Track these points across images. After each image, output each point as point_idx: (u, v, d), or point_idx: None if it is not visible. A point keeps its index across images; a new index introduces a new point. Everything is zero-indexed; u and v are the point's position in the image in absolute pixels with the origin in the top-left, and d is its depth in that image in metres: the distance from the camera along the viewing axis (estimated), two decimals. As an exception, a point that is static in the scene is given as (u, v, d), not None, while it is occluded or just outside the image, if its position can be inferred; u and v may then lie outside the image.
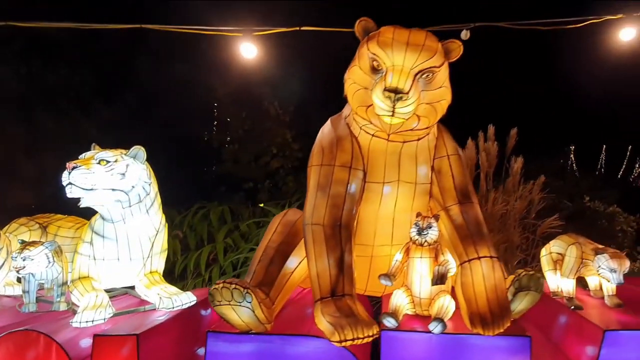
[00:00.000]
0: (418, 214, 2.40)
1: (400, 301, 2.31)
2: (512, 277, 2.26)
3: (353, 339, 1.90)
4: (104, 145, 2.78)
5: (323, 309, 2.05)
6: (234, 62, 4.23)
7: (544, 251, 2.80)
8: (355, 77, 2.25)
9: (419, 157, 2.44)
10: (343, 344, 1.91)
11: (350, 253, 2.25)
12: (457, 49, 2.26)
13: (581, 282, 2.76)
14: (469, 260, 2.20)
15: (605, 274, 2.36)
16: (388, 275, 2.30)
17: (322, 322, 2.04)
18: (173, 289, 2.83)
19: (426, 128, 2.31)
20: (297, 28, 2.26)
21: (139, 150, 2.75)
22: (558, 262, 2.71)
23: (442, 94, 2.24)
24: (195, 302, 2.75)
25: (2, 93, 6.54)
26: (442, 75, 2.23)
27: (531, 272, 2.22)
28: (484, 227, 2.35)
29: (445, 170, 2.45)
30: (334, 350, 2.13)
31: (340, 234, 2.23)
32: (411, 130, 2.27)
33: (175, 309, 2.66)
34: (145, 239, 2.86)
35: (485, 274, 2.16)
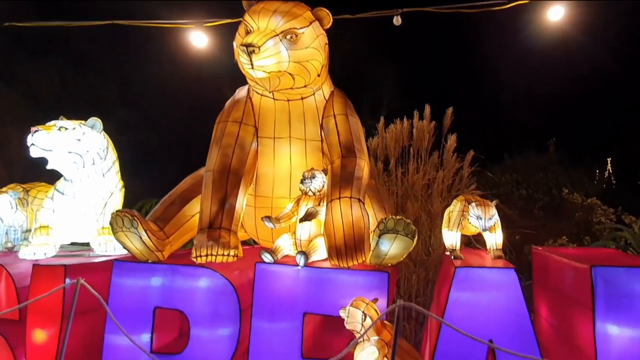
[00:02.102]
0: (310, 169, 2.67)
1: (282, 242, 2.56)
2: (379, 220, 2.42)
3: (207, 255, 2.18)
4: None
5: (197, 237, 2.37)
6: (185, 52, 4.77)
7: (445, 212, 2.91)
8: (237, 43, 2.62)
9: (306, 115, 2.72)
10: (199, 259, 2.19)
11: (235, 196, 2.56)
12: (327, 17, 2.57)
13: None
14: (331, 201, 2.41)
15: (473, 221, 2.45)
16: (271, 218, 2.57)
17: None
18: (113, 240, 3.27)
19: (304, 87, 2.59)
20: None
21: (96, 122, 3.27)
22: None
23: (311, 54, 2.53)
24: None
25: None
26: (308, 37, 2.52)
27: (399, 217, 2.38)
28: (356, 176, 2.55)
29: (332, 128, 2.71)
30: (218, 280, 2.42)
31: (227, 179, 2.55)
32: (291, 89, 2.57)
33: (110, 255, 3.09)
34: (99, 199, 3.35)
35: (343, 211, 2.35)
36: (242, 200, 2.62)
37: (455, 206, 2.69)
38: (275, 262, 2.44)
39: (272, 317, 2.35)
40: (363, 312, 2.06)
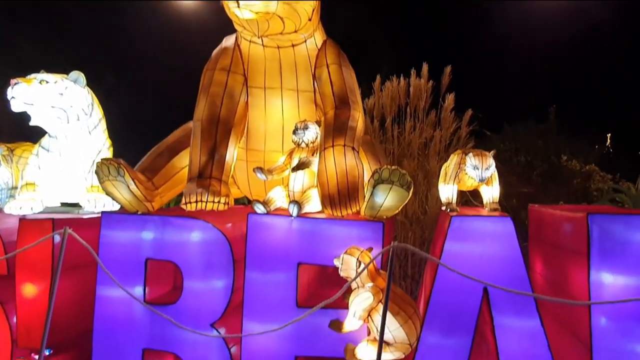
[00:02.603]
0: (303, 120, 2.58)
1: (275, 194, 2.50)
2: (373, 170, 2.37)
3: (196, 202, 2.13)
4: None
5: (187, 186, 2.30)
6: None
7: (443, 167, 2.85)
8: None
9: (298, 64, 2.61)
10: (189, 206, 2.13)
11: (225, 147, 2.47)
12: None
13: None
14: (324, 149, 2.34)
15: (470, 172, 2.41)
16: (263, 169, 2.50)
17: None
18: (103, 197, 3.20)
19: (295, 32, 2.47)
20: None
21: (79, 76, 3.13)
22: None
23: None
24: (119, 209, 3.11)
25: None
26: None
27: (394, 167, 2.31)
28: (350, 126, 2.47)
29: (325, 78, 2.60)
30: (211, 232, 2.37)
31: (217, 129, 2.47)
32: (281, 34, 2.44)
33: (98, 211, 3.02)
34: (87, 157, 3.25)
35: (337, 159, 2.29)
36: (233, 152, 2.54)
37: (452, 160, 2.64)
38: (268, 213, 2.39)
39: (266, 268, 2.33)
40: (357, 259, 2.03)
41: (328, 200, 2.23)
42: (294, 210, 2.29)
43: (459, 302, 2.12)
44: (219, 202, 2.29)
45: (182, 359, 2.36)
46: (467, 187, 2.68)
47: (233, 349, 2.39)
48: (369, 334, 2.15)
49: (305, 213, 2.40)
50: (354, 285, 2.08)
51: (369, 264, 1.94)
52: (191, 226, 2.39)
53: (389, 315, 1.98)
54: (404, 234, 3.89)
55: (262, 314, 2.32)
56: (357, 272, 2.04)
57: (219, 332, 2.35)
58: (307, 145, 2.50)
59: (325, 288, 2.70)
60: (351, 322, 2.07)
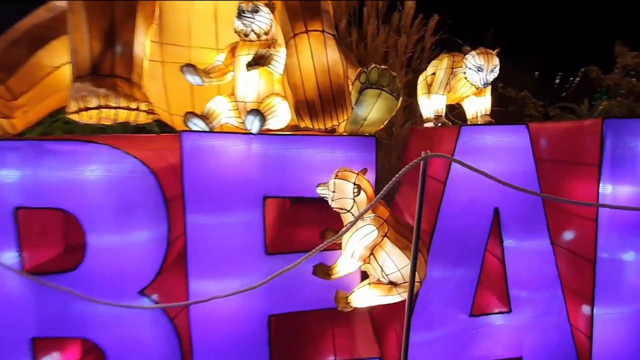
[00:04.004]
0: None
1: (216, 105, 1.75)
2: (358, 70, 1.77)
3: (98, 107, 1.30)
4: None
5: (74, 86, 1.41)
6: None
7: (420, 78, 2.38)
8: None
9: None
10: (84, 115, 1.30)
11: (131, 31, 1.58)
12: None
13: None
14: (295, 36, 1.65)
15: (472, 75, 1.98)
16: (196, 68, 1.70)
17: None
18: None
19: None
20: None
21: None
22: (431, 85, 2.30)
23: None
24: None
25: None
26: None
27: (384, 67, 1.75)
28: (324, 9, 1.79)
29: None
30: (122, 159, 1.56)
31: (113, 3, 1.53)
32: None
33: None
34: None
35: (314, 50, 1.63)
36: (143, 40, 1.65)
37: (440, 64, 2.15)
38: (211, 131, 1.66)
39: (218, 207, 1.65)
40: (354, 183, 1.49)
41: (305, 107, 1.58)
42: (254, 123, 1.59)
43: (466, 227, 1.76)
44: (137, 108, 1.45)
45: (101, 345, 1.64)
46: (457, 97, 2.26)
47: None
48: (364, 277, 1.70)
49: (268, 130, 1.73)
50: (347, 219, 1.56)
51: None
52: (89, 154, 1.54)
53: (397, 250, 1.54)
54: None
55: (217, 269, 1.68)
56: (354, 200, 1.50)
57: (152, 300, 1.67)
58: (258, 36, 1.75)
59: (290, 227, 2.14)
60: (347, 264, 1.57)
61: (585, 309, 1.88)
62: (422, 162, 1.25)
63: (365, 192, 1.51)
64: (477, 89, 2.11)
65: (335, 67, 1.65)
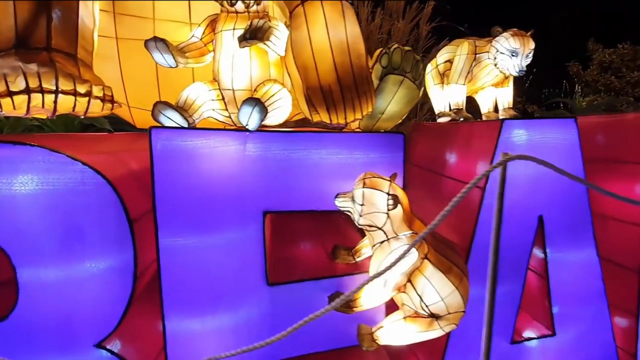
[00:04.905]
0: None
1: (196, 94, 1.34)
2: (377, 51, 1.44)
3: (27, 91, 0.87)
4: None
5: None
6: None
7: (429, 67, 2.06)
8: None
9: None
10: (2, 105, 0.87)
11: None
12: None
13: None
14: (303, 2, 1.27)
15: (504, 61, 1.69)
16: (167, 44, 1.28)
17: None
18: None
19: None
20: None
21: None
22: (446, 74, 2.00)
23: None
24: None
25: None
26: None
27: (408, 49, 1.42)
28: None
29: None
30: (66, 167, 1.13)
31: None
32: None
33: None
34: None
35: (330, 21, 1.26)
36: (92, 8, 1.21)
37: (459, 50, 1.84)
38: (191, 127, 1.26)
39: (200, 226, 1.24)
40: (389, 193, 1.15)
41: (320, 95, 1.21)
42: (252, 116, 1.20)
43: (508, 238, 1.48)
44: (88, 94, 1.01)
45: None
46: (472, 90, 1.97)
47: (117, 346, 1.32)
48: (389, 309, 1.37)
49: (265, 126, 1.34)
50: (376, 237, 1.21)
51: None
52: (18, 160, 1.10)
53: (439, 275, 1.22)
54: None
55: (201, 304, 1.29)
56: (388, 215, 1.16)
57: (112, 352, 1.24)
58: (247, 7, 1.36)
59: (287, 243, 1.75)
60: (377, 294, 1.24)
61: (629, 324, 1.66)
62: (501, 167, 0.94)
63: (401, 204, 1.17)
64: (506, 77, 1.83)
65: (357, 44, 1.29)
